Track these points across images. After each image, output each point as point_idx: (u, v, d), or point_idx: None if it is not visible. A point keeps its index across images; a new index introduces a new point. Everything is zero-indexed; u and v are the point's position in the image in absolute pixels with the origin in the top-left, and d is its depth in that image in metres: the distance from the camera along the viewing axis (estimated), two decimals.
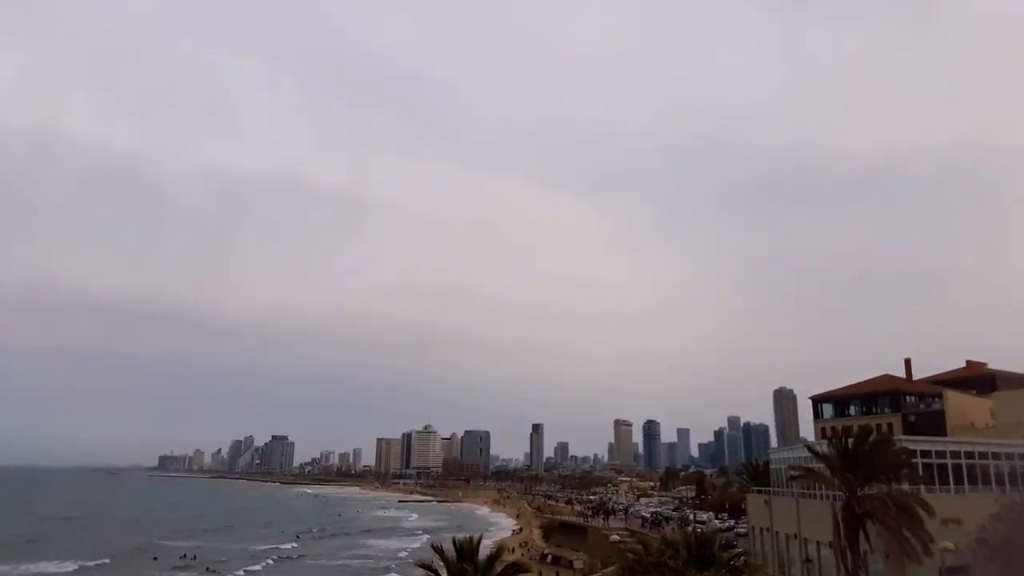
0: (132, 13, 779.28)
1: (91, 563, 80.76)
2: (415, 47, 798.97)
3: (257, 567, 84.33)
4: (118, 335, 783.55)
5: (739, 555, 30.66)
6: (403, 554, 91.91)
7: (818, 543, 41.71)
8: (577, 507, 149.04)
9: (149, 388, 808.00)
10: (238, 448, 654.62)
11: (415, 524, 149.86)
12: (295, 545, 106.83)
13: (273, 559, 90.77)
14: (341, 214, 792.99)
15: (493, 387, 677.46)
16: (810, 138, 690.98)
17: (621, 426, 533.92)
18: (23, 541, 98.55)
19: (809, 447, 44.23)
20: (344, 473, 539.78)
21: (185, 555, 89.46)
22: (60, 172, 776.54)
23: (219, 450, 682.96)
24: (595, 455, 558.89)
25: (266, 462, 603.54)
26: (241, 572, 79.68)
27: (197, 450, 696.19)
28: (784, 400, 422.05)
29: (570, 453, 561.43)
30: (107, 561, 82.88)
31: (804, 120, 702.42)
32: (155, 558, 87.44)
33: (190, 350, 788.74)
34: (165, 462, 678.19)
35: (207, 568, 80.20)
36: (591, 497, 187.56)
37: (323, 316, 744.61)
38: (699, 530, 41.43)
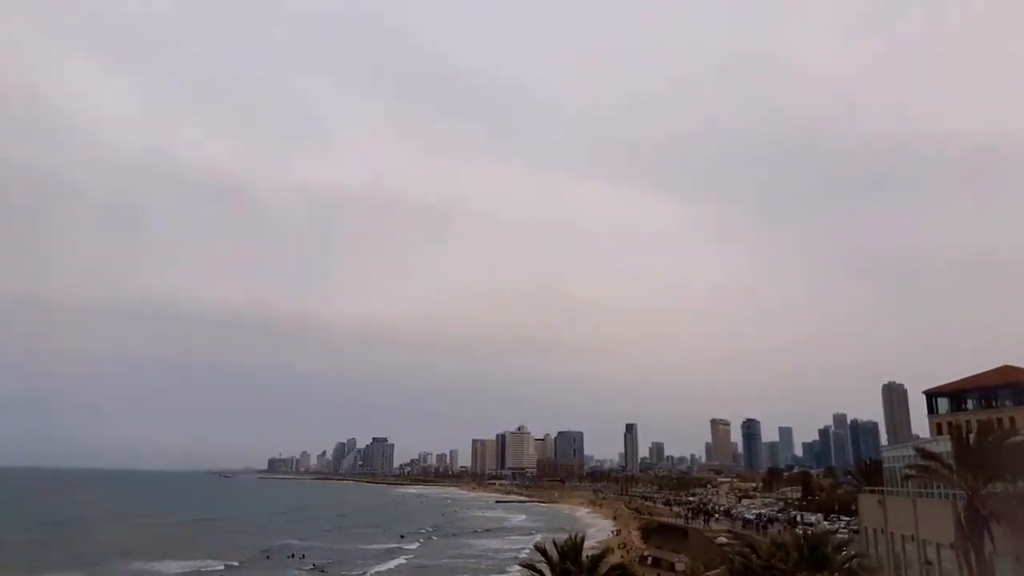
0: (230, 44, 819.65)
1: (235, 562, 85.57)
2: (495, 54, 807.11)
3: (390, 565, 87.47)
4: (226, 344, 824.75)
5: (853, 557, 29.52)
6: (524, 553, 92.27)
7: (938, 545, 39.59)
8: (676, 508, 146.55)
9: (257, 394, 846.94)
10: (342, 450, 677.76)
11: (520, 524, 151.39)
12: (420, 544, 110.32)
13: (406, 558, 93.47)
14: (430, 222, 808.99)
15: (585, 387, 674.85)
16: (910, 123, 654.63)
17: (719, 425, 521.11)
18: (175, 539, 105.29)
19: (919, 448, 42.04)
20: (442, 474, 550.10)
21: (292, 554, 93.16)
22: (172, 193, 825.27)
23: (324, 452, 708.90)
24: (692, 455, 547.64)
25: (368, 463, 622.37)
26: (377, 568, 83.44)
27: (304, 452, 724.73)
28: (894, 395, 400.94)
29: (666, 453, 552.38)
30: (239, 562, 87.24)
31: (903, 104, 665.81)
32: (268, 556, 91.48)
33: (294, 357, 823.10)
34: (274, 464, 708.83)
35: (318, 569, 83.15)
36: (690, 498, 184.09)
37: (418, 321, 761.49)
38: (809, 531, 40.10)
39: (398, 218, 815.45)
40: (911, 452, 46.76)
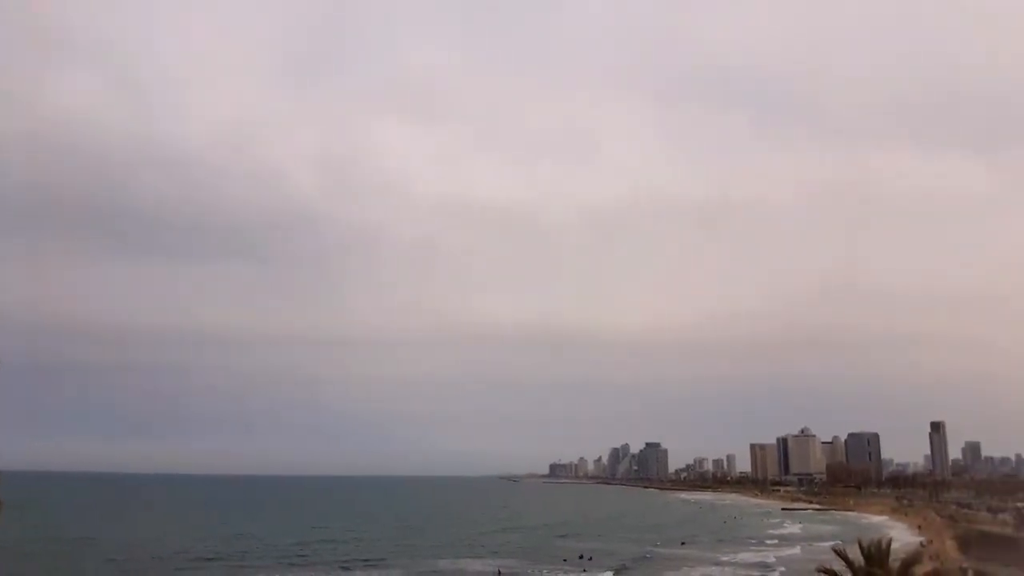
0: (503, 83, 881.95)
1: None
2: (757, 30, 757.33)
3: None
4: (516, 359, 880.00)
5: None
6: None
7: None
8: (1002, 516, 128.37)
9: (539, 403, 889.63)
10: (616, 455, 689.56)
11: (815, 533, 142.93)
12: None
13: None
14: (704, 222, 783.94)
15: (880, 384, 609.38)
16: None
17: None
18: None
19: None
20: (720, 479, 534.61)
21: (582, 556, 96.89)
22: (464, 228, 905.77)
23: (599, 457, 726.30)
24: (1017, 455, 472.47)
25: (642, 468, 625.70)
26: None
27: (581, 458, 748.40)
28: None
29: (983, 454, 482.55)
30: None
31: None
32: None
33: (572, 367, 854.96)
34: (555, 469, 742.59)
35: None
36: (1018, 504, 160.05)
37: (692, 325, 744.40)
38: None
39: (671, 223, 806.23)
40: None
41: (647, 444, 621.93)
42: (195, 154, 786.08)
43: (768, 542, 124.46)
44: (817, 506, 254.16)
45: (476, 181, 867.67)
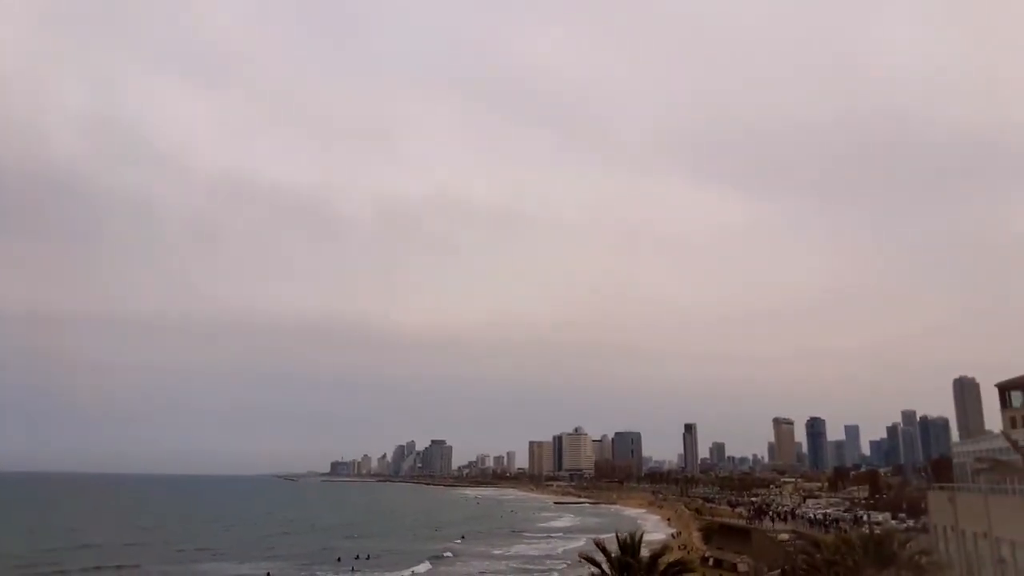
0: (304, 62, 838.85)
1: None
2: (564, 56, 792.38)
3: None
4: (299, 353, 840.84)
5: (921, 553, 28.96)
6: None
7: (1013, 542, 38.26)
8: (738, 509, 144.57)
9: (321, 399, 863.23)
10: (401, 453, 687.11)
11: (580, 525, 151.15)
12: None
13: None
14: (497, 227, 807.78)
15: (644, 388, 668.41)
16: (984, 112, 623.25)
17: (782, 425, 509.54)
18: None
19: (1012, 440, 40.80)
20: (499, 475, 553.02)
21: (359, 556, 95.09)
22: (248, 209, 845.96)
23: (384, 455, 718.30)
24: (754, 456, 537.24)
25: (427, 466, 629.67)
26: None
27: (365, 455, 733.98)
28: (966, 390, 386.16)
29: (727, 454, 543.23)
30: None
31: (977, 93, 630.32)
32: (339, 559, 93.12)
33: (359, 362, 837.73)
34: (336, 468, 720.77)
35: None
36: (752, 499, 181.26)
37: (482, 326, 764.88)
38: (876, 530, 39.27)
39: (466, 226, 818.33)
40: (983, 447, 45.45)
41: (432, 441, 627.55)
42: None
43: (554, 535, 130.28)
44: (587, 500, 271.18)
45: (265, 160, 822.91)
